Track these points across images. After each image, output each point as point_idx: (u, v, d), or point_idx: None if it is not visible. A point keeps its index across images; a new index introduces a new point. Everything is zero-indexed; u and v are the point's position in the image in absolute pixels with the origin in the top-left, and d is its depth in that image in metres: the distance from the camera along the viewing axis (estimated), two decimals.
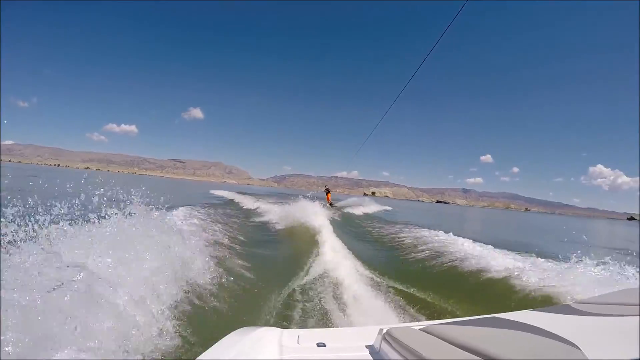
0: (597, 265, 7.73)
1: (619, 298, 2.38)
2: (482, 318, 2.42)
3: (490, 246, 11.72)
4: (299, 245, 12.45)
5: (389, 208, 45.76)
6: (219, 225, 12.78)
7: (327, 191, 33.81)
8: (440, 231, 14.75)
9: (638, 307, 2.01)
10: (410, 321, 5.79)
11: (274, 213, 20.19)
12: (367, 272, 9.33)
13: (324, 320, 5.75)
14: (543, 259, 9.48)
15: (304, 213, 16.39)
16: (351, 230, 18.72)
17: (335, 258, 10.15)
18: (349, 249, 11.65)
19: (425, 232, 15.17)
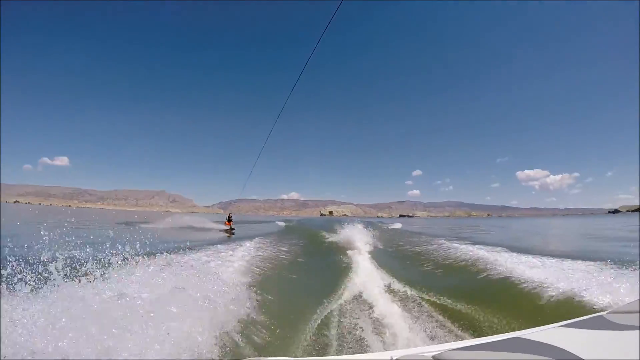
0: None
1: None
2: (503, 340, 2.22)
3: (500, 249, 12.27)
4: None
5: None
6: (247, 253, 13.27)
7: (229, 219, 37.03)
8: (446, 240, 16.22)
9: None
10: (431, 335, 6.50)
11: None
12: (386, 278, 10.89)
13: (343, 344, 6.07)
14: (567, 261, 9.71)
15: None
16: None
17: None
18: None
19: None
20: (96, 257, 5.67)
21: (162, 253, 8.02)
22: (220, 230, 34.87)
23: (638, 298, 2.52)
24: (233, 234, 32.98)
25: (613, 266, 8.89)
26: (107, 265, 5.79)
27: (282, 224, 51.70)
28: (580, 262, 9.98)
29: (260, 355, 4.87)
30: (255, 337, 5.36)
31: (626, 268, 8.44)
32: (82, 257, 5.56)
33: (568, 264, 9.91)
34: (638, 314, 1.90)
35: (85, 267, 5.25)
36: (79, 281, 4.92)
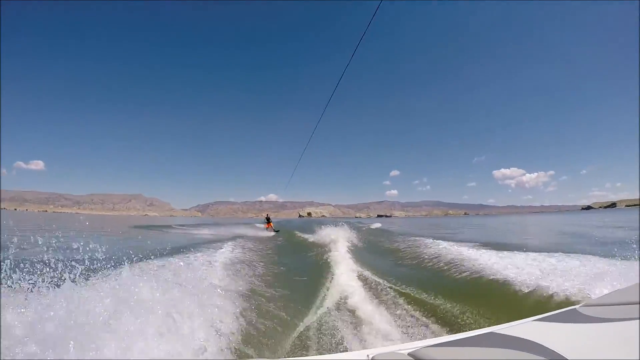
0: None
1: (634, 295, 2.18)
2: (478, 335, 2.23)
3: (473, 246, 12.53)
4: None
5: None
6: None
7: (268, 220, 36.77)
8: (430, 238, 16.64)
9: None
10: (409, 333, 6.55)
11: None
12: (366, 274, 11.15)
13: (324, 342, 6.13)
14: (535, 255, 9.94)
15: None
16: None
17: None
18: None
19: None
20: None
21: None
22: (270, 234, 33.70)
23: (610, 292, 2.63)
24: (278, 231, 33.00)
25: (580, 259, 9.19)
26: None
27: (261, 226, 51.64)
28: (550, 256, 10.37)
29: (238, 357, 4.94)
30: (231, 339, 5.37)
31: (584, 261, 8.79)
32: None
33: (539, 258, 10.19)
34: (610, 306, 2.16)
35: None
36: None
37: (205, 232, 35.82)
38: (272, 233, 32.59)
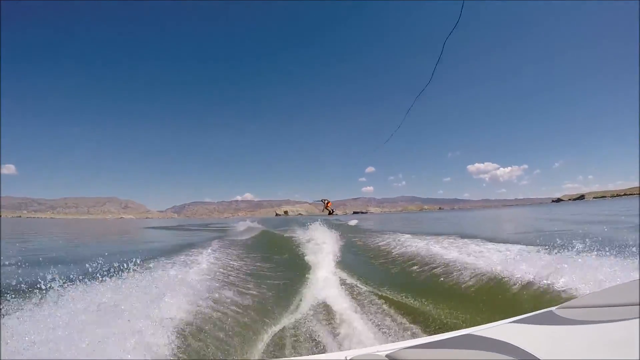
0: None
1: (610, 298, 2.17)
2: (455, 337, 2.24)
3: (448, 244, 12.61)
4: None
5: None
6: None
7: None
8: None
9: (637, 308, 1.80)
10: (387, 333, 6.48)
11: None
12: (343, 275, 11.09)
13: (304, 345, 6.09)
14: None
15: None
16: None
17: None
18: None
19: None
20: None
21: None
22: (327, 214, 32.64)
23: (586, 294, 2.62)
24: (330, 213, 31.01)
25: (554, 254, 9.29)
26: None
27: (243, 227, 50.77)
28: (522, 251, 10.32)
29: (214, 358, 4.94)
30: (209, 340, 5.41)
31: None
32: None
33: (508, 252, 10.30)
34: (586, 309, 2.12)
35: None
36: None
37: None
38: (330, 214, 31.68)
